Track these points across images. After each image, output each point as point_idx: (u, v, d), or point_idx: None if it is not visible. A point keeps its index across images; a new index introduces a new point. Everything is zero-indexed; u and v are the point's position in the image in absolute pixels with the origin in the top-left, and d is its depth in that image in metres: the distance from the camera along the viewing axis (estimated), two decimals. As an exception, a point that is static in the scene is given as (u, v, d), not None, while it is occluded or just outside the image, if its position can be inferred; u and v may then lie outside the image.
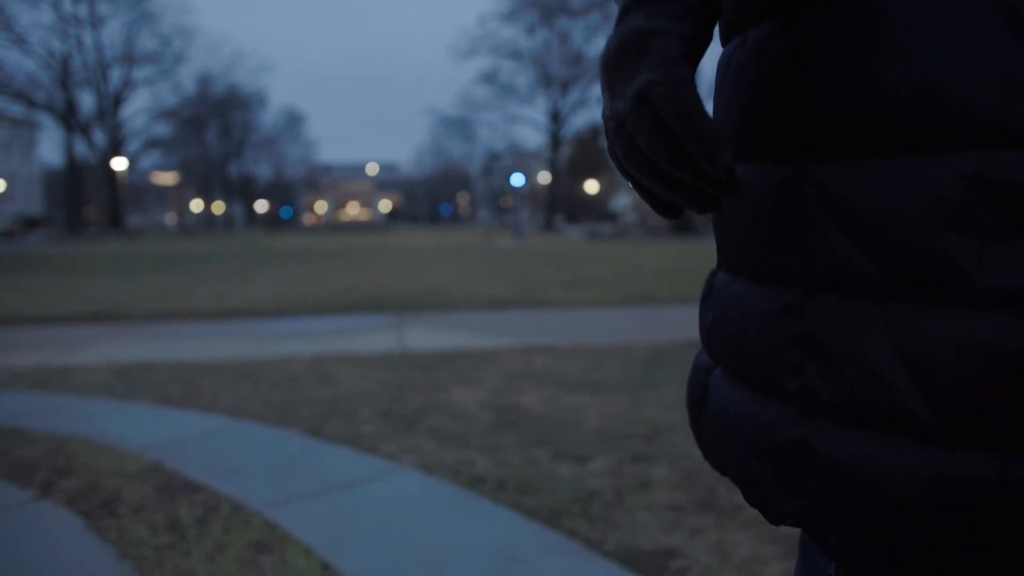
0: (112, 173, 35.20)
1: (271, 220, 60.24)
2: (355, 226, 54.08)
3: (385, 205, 71.17)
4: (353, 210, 69.67)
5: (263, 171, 59.84)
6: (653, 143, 0.46)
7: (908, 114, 0.41)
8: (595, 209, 42.13)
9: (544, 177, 44.61)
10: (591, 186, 42.85)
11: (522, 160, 52.81)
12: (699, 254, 14.29)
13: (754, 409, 0.52)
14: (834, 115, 0.44)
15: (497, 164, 60.73)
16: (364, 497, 2.12)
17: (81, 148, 37.20)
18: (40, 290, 8.81)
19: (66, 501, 2.13)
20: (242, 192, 57.77)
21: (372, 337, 5.06)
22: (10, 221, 33.60)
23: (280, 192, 63.20)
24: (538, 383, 3.54)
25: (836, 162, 0.44)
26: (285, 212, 63.66)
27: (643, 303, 6.81)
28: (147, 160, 48.74)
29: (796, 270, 0.48)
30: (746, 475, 0.54)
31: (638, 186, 0.52)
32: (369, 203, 70.69)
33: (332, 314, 6.35)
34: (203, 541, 1.85)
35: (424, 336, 5.05)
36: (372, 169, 77.30)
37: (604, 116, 0.50)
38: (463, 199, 71.93)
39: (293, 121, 61.64)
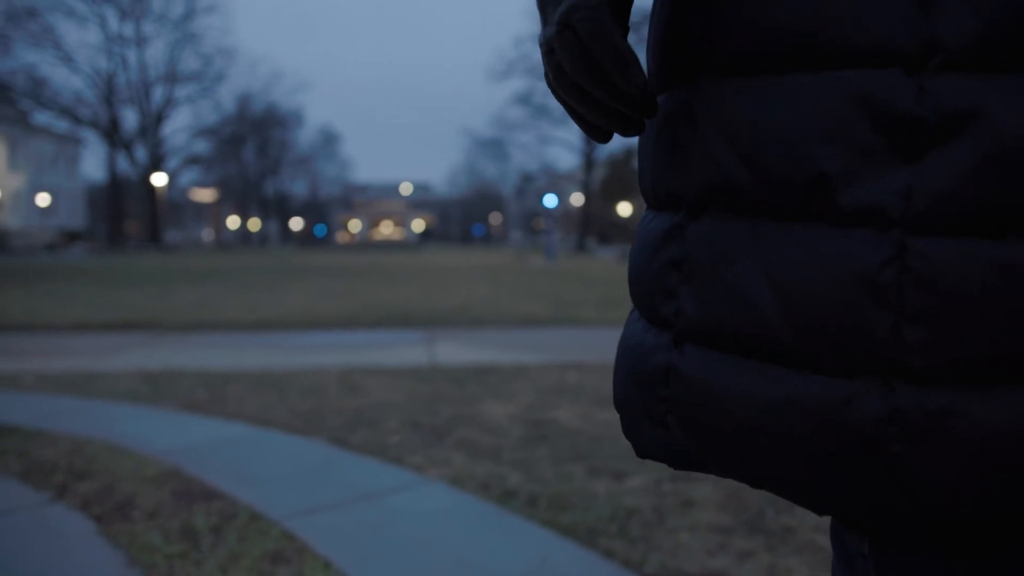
0: (152, 189, 35.85)
1: (305, 238, 60.89)
2: (388, 245, 54.40)
3: (418, 225, 71.55)
4: (387, 229, 70.15)
5: (299, 189, 60.63)
6: (575, 64, 0.48)
7: (796, 33, 0.42)
8: (628, 231, 41.88)
9: (577, 199, 44.55)
10: (624, 208, 42.65)
11: (555, 181, 52.83)
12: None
13: (640, 337, 0.54)
14: (728, 34, 0.46)
15: (530, 185, 60.78)
16: (389, 509, 2.00)
17: (123, 164, 37.97)
18: (76, 298, 8.89)
19: (80, 504, 2.04)
20: (278, 210, 58.51)
21: (402, 351, 4.97)
22: (53, 234, 34.34)
23: (315, 210, 63.92)
24: (572, 398, 3.41)
25: (728, 79, 0.46)
26: (319, 230, 64.33)
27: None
28: (186, 177, 49.65)
29: (683, 190, 0.49)
30: (622, 402, 0.56)
31: (570, 111, 0.53)
32: (402, 222, 71.14)
33: (363, 328, 6.28)
34: (217, 550, 1.74)
35: (455, 351, 4.95)
36: (406, 189, 77.93)
37: (539, 44, 0.52)
38: (496, 220, 72.11)
39: (329, 140, 62.44)
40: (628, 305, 8.28)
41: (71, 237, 35.14)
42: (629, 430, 0.56)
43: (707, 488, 2.16)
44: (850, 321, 0.41)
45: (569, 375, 4.02)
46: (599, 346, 5.13)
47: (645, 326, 0.54)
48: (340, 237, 67.03)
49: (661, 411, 0.52)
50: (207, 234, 56.02)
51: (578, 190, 43.08)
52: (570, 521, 1.91)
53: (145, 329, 6.27)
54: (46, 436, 2.72)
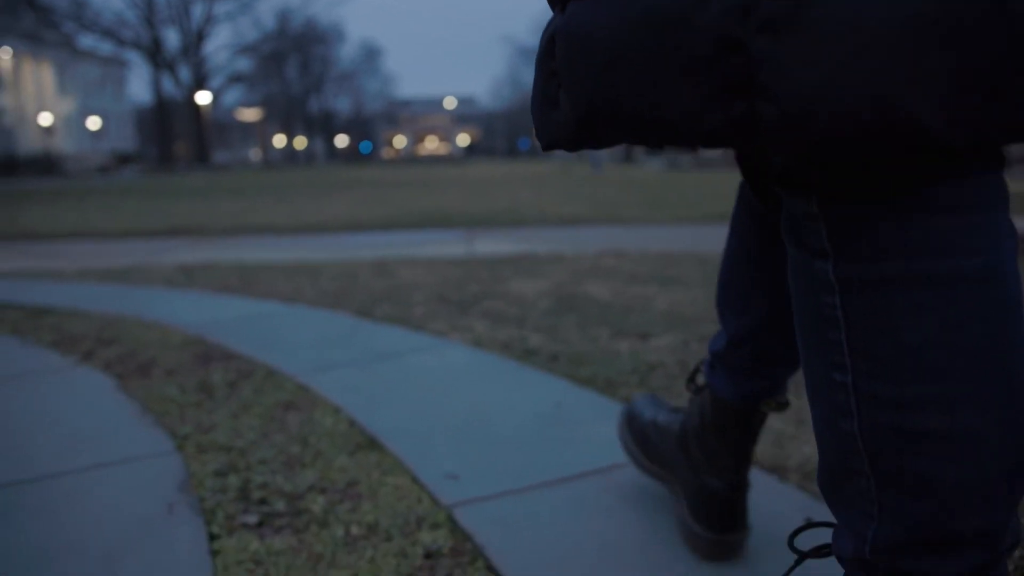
0: (197, 109, 36.02)
1: (351, 155, 60.91)
2: (433, 160, 54.14)
3: (463, 139, 70.85)
4: (431, 144, 69.67)
5: (343, 106, 60.29)
6: None
7: None
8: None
9: (624, 107, 43.23)
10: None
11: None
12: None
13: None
14: None
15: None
16: (406, 366, 1.97)
17: (168, 85, 38.13)
18: (126, 211, 9.03)
19: (103, 366, 2.06)
20: (322, 127, 58.44)
21: (439, 246, 4.92)
22: (105, 157, 34.95)
23: (359, 127, 63.67)
24: (606, 277, 3.32)
25: None
26: (364, 147, 64.22)
27: (727, 221, 6.44)
28: (230, 96, 49.71)
29: None
30: (533, 110, 0.61)
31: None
32: (447, 137, 70.51)
33: (403, 230, 6.24)
34: (230, 401, 1.73)
35: (492, 245, 4.88)
36: (450, 103, 76.89)
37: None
38: (541, 133, 70.80)
39: (371, 55, 61.53)
40: (673, 206, 8.08)
41: (122, 159, 35.74)
42: (537, 132, 0.59)
43: (737, 345, 2.08)
44: None
45: (606, 260, 3.92)
46: (641, 239, 5.00)
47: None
48: (385, 153, 66.87)
49: (553, 89, 0.55)
50: (254, 154, 56.41)
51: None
52: (590, 374, 1.85)
53: (189, 234, 6.33)
54: (80, 315, 2.75)
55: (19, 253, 5.16)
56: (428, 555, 1.05)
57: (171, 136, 38.79)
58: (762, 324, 0.87)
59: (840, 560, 0.61)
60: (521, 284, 3.17)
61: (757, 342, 0.89)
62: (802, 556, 0.67)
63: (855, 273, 0.52)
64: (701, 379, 1.01)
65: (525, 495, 1.21)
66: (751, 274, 0.87)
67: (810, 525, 0.69)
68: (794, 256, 0.57)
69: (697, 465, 1.00)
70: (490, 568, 1.01)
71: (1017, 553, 1.00)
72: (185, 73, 37.60)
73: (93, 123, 40.21)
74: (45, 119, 36.45)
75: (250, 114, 55.58)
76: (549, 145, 0.59)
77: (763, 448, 1.36)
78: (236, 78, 43.89)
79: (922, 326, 0.51)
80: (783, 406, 0.93)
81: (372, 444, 1.45)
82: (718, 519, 0.97)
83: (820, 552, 0.66)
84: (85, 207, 9.83)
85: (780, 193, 0.57)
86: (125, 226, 7.03)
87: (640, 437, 1.13)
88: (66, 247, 5.63)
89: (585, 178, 16.08)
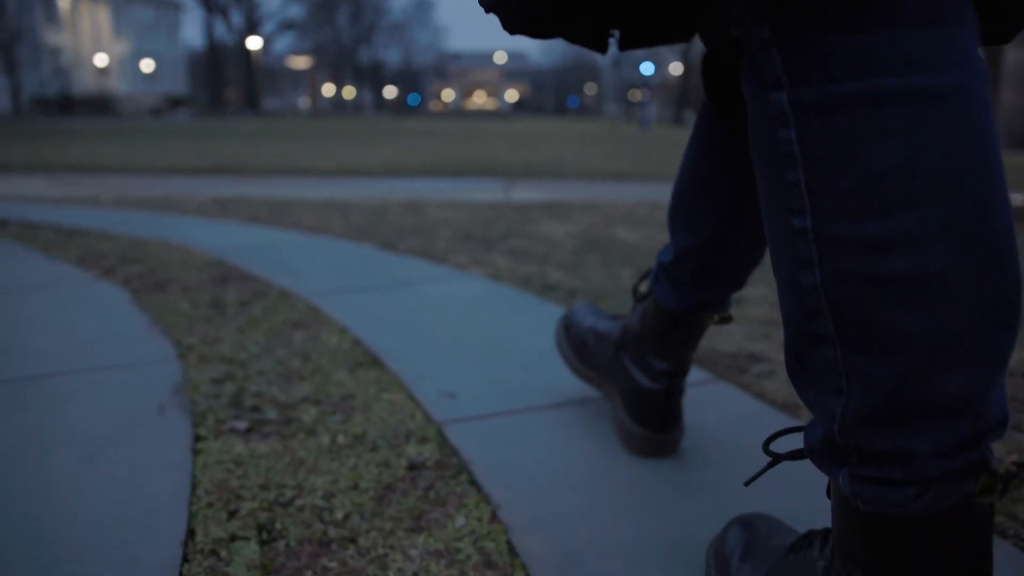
0: (248, 54, 36.16)
1: (399, 106, 60.80)
2: (481, 114, 53.77)
3: (512, 95, 70.10)
4: (480, 99, 69.10)
5: (393, 57, 60.02)
6: None
7: None
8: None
9: (676, 68, 42.37)
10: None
11: (654, 50, 50.28)
12: None
13: None
14: None
15: (627, 54, 58.18)
16: (420, 294, 1.93)
17: (220, 30, 38.30)
18: (172, 150, 9.13)
19: (122, 281, 2.06)
20: (372, 78, 58.32)
21: (475, 192, 4.87)
22: (157, 100, 35.43)
23: (408, 79, 63.41)
24: (637, 224, 3.24)
25: None
26: (413, 99, 64.02)
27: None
28: (281, 43, 49.81)
29: None
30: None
31: None
32: (496, 92, 69.85)
33: (442, 177, 6.19)
34: (239, 318, 1.71)
35: (529, 193, 4.81)
36: (500, 58, 76.00)
37: None
38: (591, 91, 69.81)
39: (422, 6, 60.94)
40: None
41: (175, 103, 36.18)
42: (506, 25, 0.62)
43: (762, 289, 1.99)
44: None
45: (640, 210, 3.82)
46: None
47: None
48: (433, 106, 66.60)
49: None
50: (303, 101, 56.63)
51: (678, 59, 40.87)
52: (608, 307, 1.80)
53: (231, 173, 6.36)
54: (109, 237, 2.77)
55: (63, 184, 5.25)
56: (412, 467, 1.02)
57: (222, 81, 39.09)
58: (710, 241, 0.89)
59: (811, 454, 0.56)
60: (550, 226, 3.10)
61: (703, 258, 0.90)
62: (777, 458, 0.62)
63: (811, 97, 0.47)
64: (645, 287, 1.00)
65: (520, 416, 1.17)
66: (703, 191, 0.88)
67: (788, 430, 0.64)
68: (752, 105, 0.52)
69: (634, 369, 1.03)
70: (472, 482, 0.97)
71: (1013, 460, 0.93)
72: (237, 18, 37.73)
73: (147, 66, 40.69)
74: (101, 60, 36.99)
75: (300, 62, 55.66)
76: (489, 8, 0.59)
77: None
78: (287, 25, 43.89)
79: (886, 151, 0.45)
80: (725, 320, 0.95)
81: (374, 362, 1.42)
82: (654, 419, 1.00)
83: (795, 454, 0.61)
84: (133, 145, 9.97)
85: (734, 31, 0.51)
86: (169, 163, 7.10)
87: (578, 343, 1.15)
88: (109, 180, 5.71)
89: (632, 136, 15.80)
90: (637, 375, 1.02)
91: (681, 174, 0.91)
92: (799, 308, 0.51)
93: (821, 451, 0.54)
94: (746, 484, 0.65)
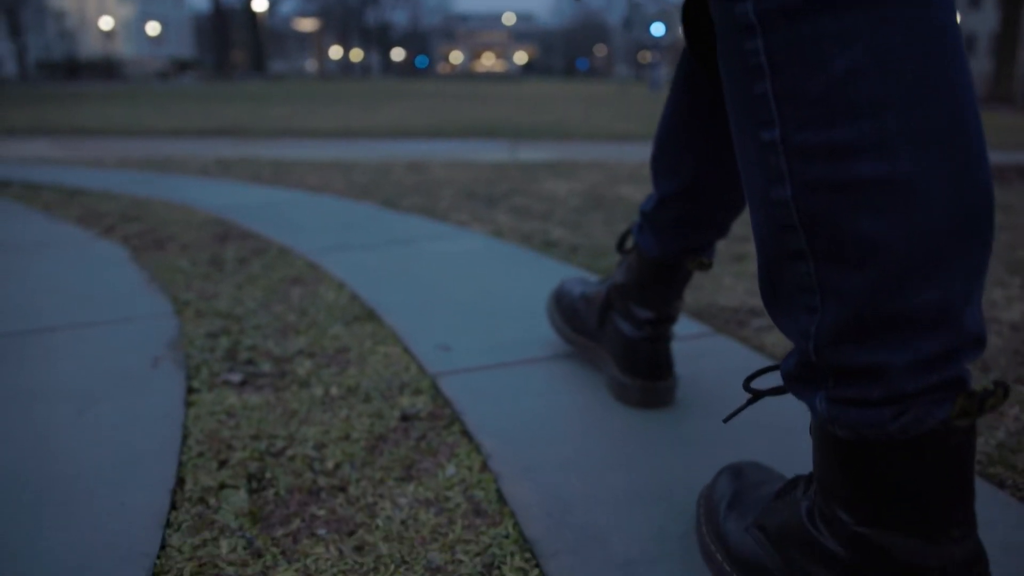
0: (254, 16, 35.78)
1: (406, 69, 60.19)
2: (489, 76, 53.21)
3: (520, 57, 69.23)
4: (488, 61, 68.29)
5: (400, 18, 59.26)
6: None
7: None
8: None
9: (688, 27, 41.60)
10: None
11: (665, 10, 49.46)
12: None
13: None
14: None
15: (638, 14, 57.23)
16: (420, 251, 1.91)
17: (226, -9, 37.81)
18: (177, 113, 9.08)
19: (121, 239, 2.05)
20: (379, 40, 57.67)
21: (480, 152, 4.82)
22: (164, 63, 35.17)
23: (416, 41, 62.68)
24: (643, 182, 3.20)
25: None
26: (420, 61, 63.35)
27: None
28: (288, 5, 49.17)
29: None
30: None
31: None
32: (504, 54, 69.00)
33: (448, 138, 6.13)
34: (237, 274, 1.70)
35: (535, 153, 4.76)
36: (508, 19, 74.95)
37: None
38: (600, 52, 68.84)
39: (430, -35, 59.96)
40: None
41: (181, 66, 35.92)
42: None
43: (768, 245, 1.97)
44: None
45: (646, 169, 3.78)
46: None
47: None
48: (441, 69, 65.89)
49: None
50: (310, 64, 56.14)
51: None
52: (608, 265, 1.78)
53: (235, 135, 6.32)
54: (111, 196, 2.76)
55: (67, 147, 5.23)
56: (404, 417, 1.01)
57: (228, 44, 38.74)
58: (691, 187, 0.89)
59: (788, 381, 0.55)
60: (554, 184, 3.07)
61: (684, 204, 0.91)
62: (756, 394, 0.62)
63: (775, 4, 0.47)
64: (630, 242, 1.01)
65: (514, 368, 1.16)
66: (684, 139, 0.89)
67: (768, 368, 0.63)
68: (720, 22, 0.52)
69: (621, 321, 1.03)
70: (464, 432, 0.96)
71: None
72: (243, -21, 37.23)
73: (152, 28, 40.34)
74: (106, 23, 36.67)
75: (307, 24, 55.05)
76: None
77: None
78: (293, -15, 43.30)
79: (851, 55, 0.45)
80: (707, 266, 0.95)
81: (370, 316, 1.41)
82: (642, 367, 1.00)
83: (776, 390, 0.60)
84: (139, 108, 9.92)
85: None
86: (174, 125, 7.06)
87: (569, 312, 1.16)
88: (114, 142, 5.68)
89: (642, 98, 15.61)
90: (623, 326, 1.03)
91: (662, 121, 0.92)
92: (772, 225, 0.51)
93: (798, 376, 0.54)
94: (725, 421, 0.64)
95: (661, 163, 0.93)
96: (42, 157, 4.31)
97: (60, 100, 12.24)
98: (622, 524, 0.76)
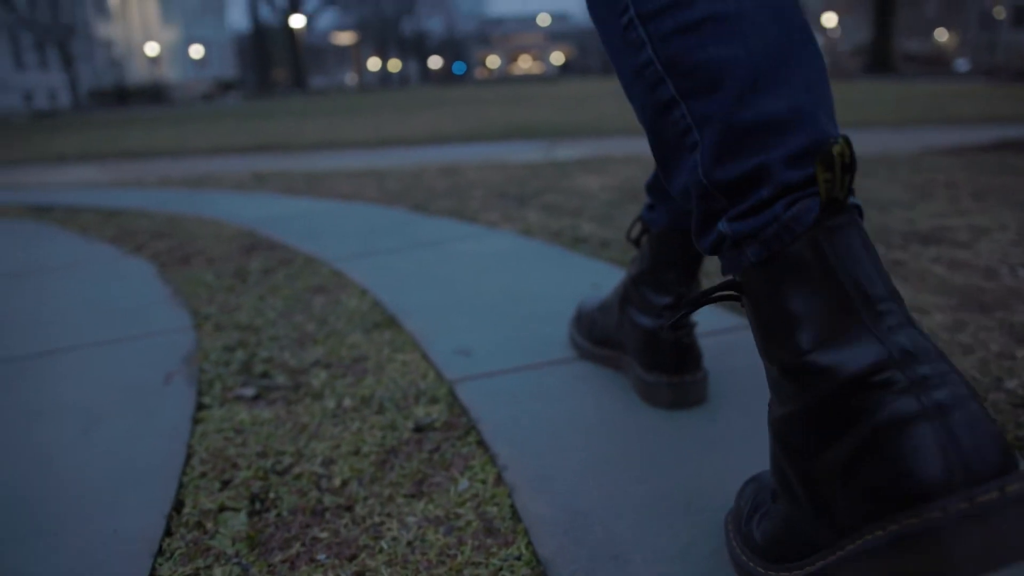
0: (292, 33, 36.38)
1: (444, 76, 60.57)
2: (527, 79, 53.20)
3: (557, 57, 69.05)
4: (525, 63, 68.28)
5: (435, 26, 59.67)
6: None
7: None
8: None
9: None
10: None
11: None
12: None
13: None
14: None
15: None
16: (446, 253, 1.86)
17: (265, 11, 38.57)
18: (220, 132, 9.23)
19: (150, 256, 2.05)
20: (416, 49, 58.14)
21: (517, 153, 4.77)
22: (208, 84, 35.99)
23: (452, 48, 63.05)
24: (679, 174, 3.10)
25: None
26: (458, 68, 63.66)
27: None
28: (325, 19, 49.93)
29: None
30: None
31: None
32: (541, 56, 68.92)
33: (485, 142, 6.09)
34: (260, 285, 1.68)
35: (571, 151, 4.69)
36: (544, 20, 74.85)
37: None
38: (638, 47, 68.22)
39: (463, -28, 60.24)
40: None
41: (225, 86, 36.71)
42: None
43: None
44: None
45: (684, 159, 3.68)
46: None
47: None
48: (479, 74, 66.14)
49: None
50: (350, 78, 56.86)
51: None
52: (640, 259, 1.70)
53: (276, 151, 6.39)
54: (146, 215, 2.78)
55: (113, 170, 5.33)
56: (418, 428, 0.95)
57: (269, 62, 39.47)
58: None
59: (695, 234, 0.60)
60: (586, 179, 3.00)
61: None
62: (697, 299, 0.62)
63: None
64: (636, 231, 1.07)
65: (535, 371, 1.10)
66: None
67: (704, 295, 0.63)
68: None
69: (638, 315, 0.97)
70: (480, 442, 0.91)
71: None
72: (280, -2, 37.89)
73: (196, 51, 41.33)
74: (151, 49, 37.70)
75: (345, 38, 55.79)
76: None
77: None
78: (329, 1, 43.93)
79: None
80: None
81: (390, 323, 1.36)
82: (666, 361, 0.93)
83: (703, 295, 0.61)
84: (183, 129, 10.12)
85: None
86: (215, 144, 7.17)
87: (587, 327, 1.11)
88: (157, 163, 5.79)
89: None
90: (641, 320, 0.96)
91: None
92: (646, 90, 0.58)
93: (699, 220, 0.58)
94: (665, 327, 0.69)
95: None
96: (90, 182, 4.39)
97: (109, 126, 12.58)
98: (644, 540, 0.69)
